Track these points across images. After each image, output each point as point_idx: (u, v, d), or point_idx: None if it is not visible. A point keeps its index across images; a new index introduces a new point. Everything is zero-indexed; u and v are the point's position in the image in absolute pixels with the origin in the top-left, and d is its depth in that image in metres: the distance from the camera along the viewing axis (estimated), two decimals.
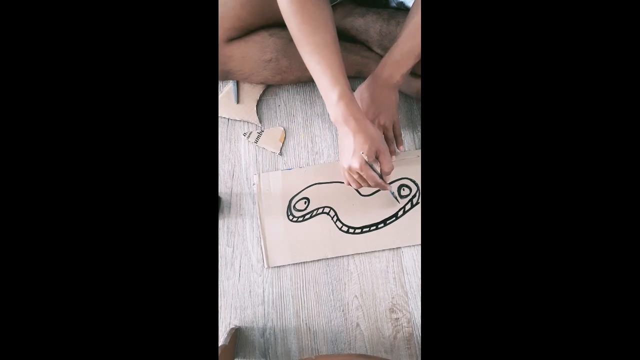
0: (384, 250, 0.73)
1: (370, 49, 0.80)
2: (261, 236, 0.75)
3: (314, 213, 0.76)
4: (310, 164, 0.80)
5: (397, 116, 0.71)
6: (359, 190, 0.76)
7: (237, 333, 0.70)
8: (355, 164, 0.63)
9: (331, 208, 0.76)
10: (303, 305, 0.72)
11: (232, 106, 0.83)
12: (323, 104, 0.68)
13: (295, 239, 0.74)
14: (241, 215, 0.77)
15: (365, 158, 0.63)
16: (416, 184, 0.76)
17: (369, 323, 0.70)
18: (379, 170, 0.66)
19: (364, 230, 0.74)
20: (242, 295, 0.73)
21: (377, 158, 0.65)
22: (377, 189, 0.76)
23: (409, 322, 0.70)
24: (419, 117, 0.81)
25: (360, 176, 0.66)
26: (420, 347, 0.69)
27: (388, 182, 0.68)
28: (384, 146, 0.65)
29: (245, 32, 0.76)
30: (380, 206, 0.75)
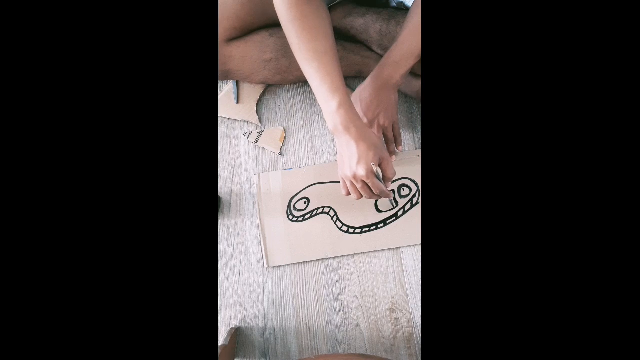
0: (384, 250, 0.73)
1: (370, 49, 0.80)
2: (261, 236, 0.75)
3: (314, 213, 0.76)
4: (310, 164, 0.80)
5: (396, 116, 0.71)
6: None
7: (237, 333, 0.70)
8: (362, 172, 0.61)
9: (331, 208, 0.76)
10: (303, 305, 0.72)
11: (232, 106, 0.84)
12: None
13: (295, 239, 0.74)
14: (241, 215, 0.77)
15: (375, 168, 0.61)
16: (416, 184, 0.76)
17: (369, 323, 0.70)
18: (381, 177, 0.64)
19: (364, 230, 0.74)
20: (242, 295, 0.73)
21: (379, 165, 0.63)
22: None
23: (409, 322, 0.70)
24: (419, 117, 0.81)
25: (364, 185, 0.64)
26: (420, 347, 0.69)
27: (389, 188, 0.67)
28: (386, 153, 0.64)
29: (245, 32, 0.76)
30: (380, 206, 0.75)
